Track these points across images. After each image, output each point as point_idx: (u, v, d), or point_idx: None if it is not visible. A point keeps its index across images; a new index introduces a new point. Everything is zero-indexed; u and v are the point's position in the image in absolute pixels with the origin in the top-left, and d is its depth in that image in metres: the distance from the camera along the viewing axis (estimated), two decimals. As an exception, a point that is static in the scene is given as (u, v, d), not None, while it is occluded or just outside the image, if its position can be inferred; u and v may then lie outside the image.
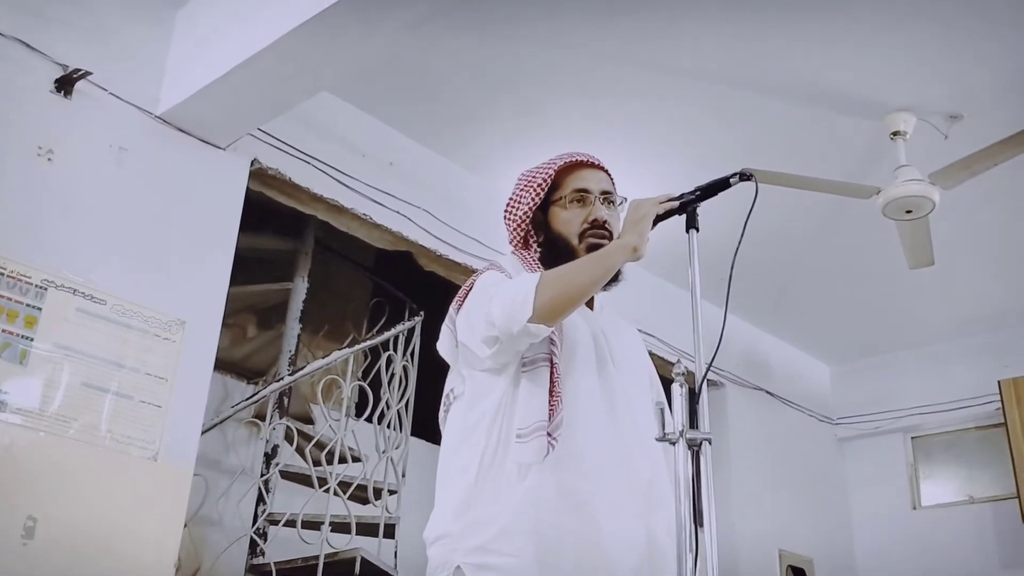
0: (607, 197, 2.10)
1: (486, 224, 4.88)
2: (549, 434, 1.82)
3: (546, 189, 2.09)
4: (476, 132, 4.81)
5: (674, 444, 1.71)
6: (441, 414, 2.07)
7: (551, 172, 2.09)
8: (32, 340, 3.20)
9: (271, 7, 3.33)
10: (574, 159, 2.12)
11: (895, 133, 4.43)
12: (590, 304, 2.12)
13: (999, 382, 6.24)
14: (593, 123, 4.59)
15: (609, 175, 2.15)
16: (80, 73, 3.48)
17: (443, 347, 2.05)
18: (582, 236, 2.05)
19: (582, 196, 2.08)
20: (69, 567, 3.09)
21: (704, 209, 2.00)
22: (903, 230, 4.60)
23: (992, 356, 6.52)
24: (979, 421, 6.68)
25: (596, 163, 2.14)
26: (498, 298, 1.86)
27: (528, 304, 1.80)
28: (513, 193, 2.14)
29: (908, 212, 4.38)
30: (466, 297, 1.99)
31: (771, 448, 6.60)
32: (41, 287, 3.26)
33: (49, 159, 3.40)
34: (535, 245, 2.12)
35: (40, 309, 3.24)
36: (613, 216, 2.08)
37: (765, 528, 6.30)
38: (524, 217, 2.10)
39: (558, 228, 2.08)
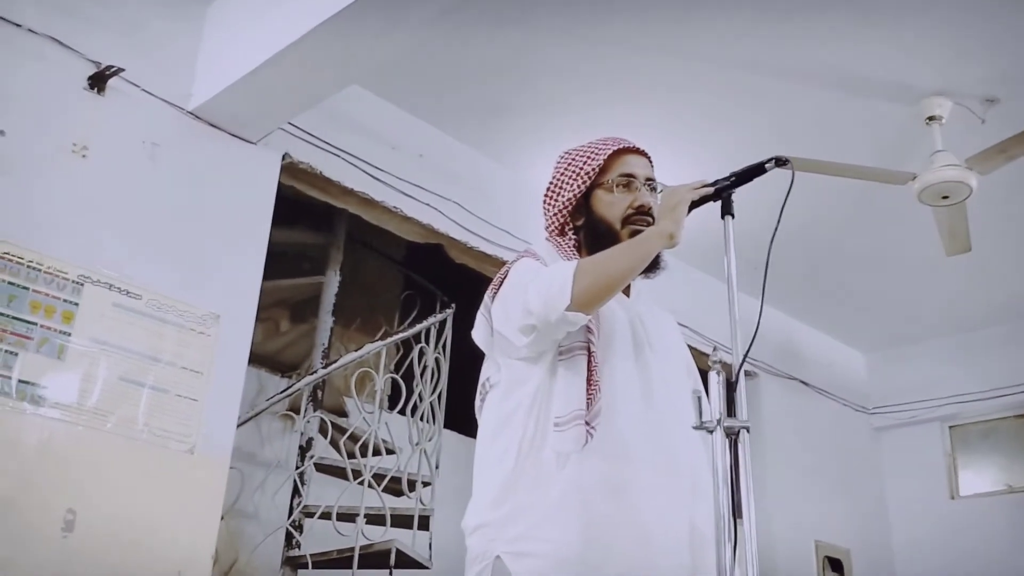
0: (650, 184, 2.08)
1: (516, 215, 4.88)
2: (587, 423, 1.80)
3: (594, 176, 2.05)
4: (506, 123, 4.80)
5: (711, 432, 1.69)
6: (477, 403, 2.05)
7: (600, 160, 2.05)
8: (69, 335, 3.24)
9: (298, 2, 3.34)
10: (621, 145, 2.09)
11: (931, 118, 4.37)
12: (627, 292, 2.09)
13: (1038, 370, 6.16)
14: (622, 112, 4.56)
15: (651, 162, 2.12)
16: (113, 70, 3.51)
17: (478, 336, 2.03)
18: (625, 221, 2.02)
19: (628, 181, 2.05)
20: (108, 559, 3.12)
21: (736, 198, 1.97)
22: (940, 216, 4.54)
23: (1031, 343, 6.43)
24: (1017, 409, 6.60)
25: (641, 150, 2.11)
26: (535, 286, 1.84)
27: (566, 292, 1.78)
28: (554, 177, 2.11)
29: (945, 198, 4.32)
30: (501, 285, 1.97)
31: (806, 438, 6.55)
32: (78, 283, 3.30)
33: (84, 156, 3.43)
34: (570, 232, 2.09)
35: (77, 304, 3.28)
36: (655, 203, 2.05)
37: (801, 519, 6.26)
38: (567, 204, 2.06)
39: (601, 212, 2.05)
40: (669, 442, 1.90)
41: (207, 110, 3.74)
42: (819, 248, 5.72)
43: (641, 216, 2.02)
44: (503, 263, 1.99)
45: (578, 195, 2.05)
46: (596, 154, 2.07)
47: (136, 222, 3.53)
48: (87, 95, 3.50)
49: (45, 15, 3.45)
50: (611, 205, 2.04)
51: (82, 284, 3.31)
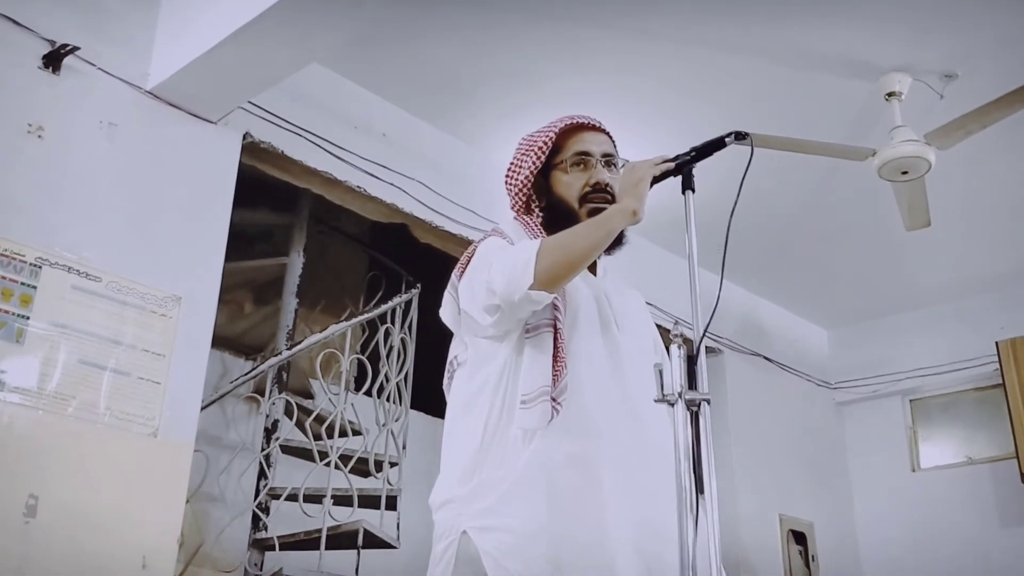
0: (608, 160, 2.08)
1: (481, 195, 4.87)
2: (553, 399, 1.81)
3: (547, 153, 2.06)
4: (469, 102, 4.78)
5: (672, 405, 1.70)
6: (445, 381, 2.06)
7: (552, 136, 2.07)
8: (28, 319, 3.19)
9: (258, -22, 3.29)
10: (575, 121, 2.09)
11: (890, 94, 4.41)
12: (593, 269, 2.10)
13: (997, 343, 6.25)
14: (586, 91, 4.56)
15: (610, 137, 2.12)
16: (68, 49, 3.45)
17: (446, 314, 2.04)
18: (583, 200, 2.03)
19: (583, 159, 2.06)
20: (71, 545, 3.10)
21: (697, 175, 1.97)
22: (899, 191, 4.58)
23: (990, 317, 6.52)
24: (977, 382, 6.70)
25: (597, 125, 2.11)
26: (498, 266, 1.84)
27: (529, 271, 1.78)
28: (513, 158, 2.11)
29: (904, 173, 4.36)
30: (468, 264, 1.97)
31: (770, 413, 6.62)
32: (35, 265, 3.25)
33: (39, 136, 3.38)
34: (537, 210, 2.09)
35: (35, 287, 3.23)
36: (615, 178, 2.05)
37: (765, 493, 6.33)
38: (525, 182, 2.07)
39: (559, 192, 2.06)
40: (636, 418, 1.91)
41: (166, 89, 3.69)
42: (780, 224, 5.76)
43: (598, 193, 2.03)
44: (468, 242, 2.00)
45: (534, 172, 2.06)
46: (548, 132, 2.08)
47: (94, 203, 3.48)
48: (42, 74, 3.44)
49: (-3, -7, 3.38)
50: (568, 185, 2.05)
51: (40, 267, 3.26)
